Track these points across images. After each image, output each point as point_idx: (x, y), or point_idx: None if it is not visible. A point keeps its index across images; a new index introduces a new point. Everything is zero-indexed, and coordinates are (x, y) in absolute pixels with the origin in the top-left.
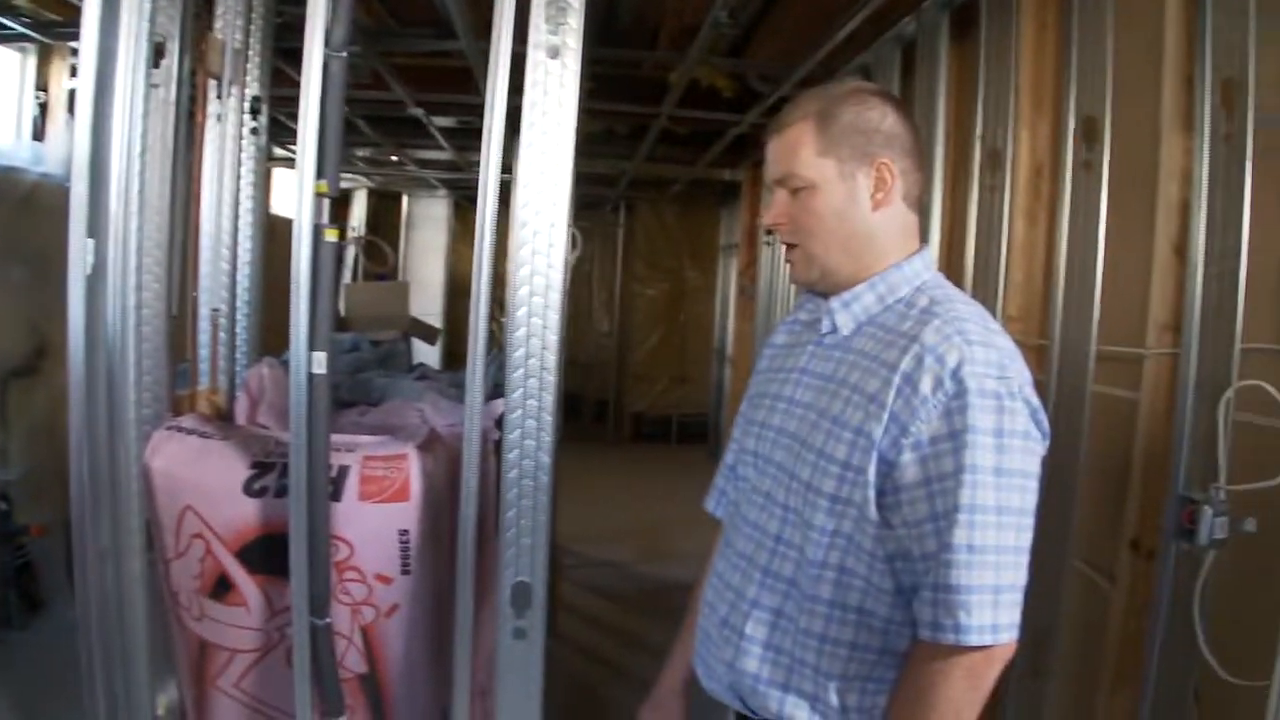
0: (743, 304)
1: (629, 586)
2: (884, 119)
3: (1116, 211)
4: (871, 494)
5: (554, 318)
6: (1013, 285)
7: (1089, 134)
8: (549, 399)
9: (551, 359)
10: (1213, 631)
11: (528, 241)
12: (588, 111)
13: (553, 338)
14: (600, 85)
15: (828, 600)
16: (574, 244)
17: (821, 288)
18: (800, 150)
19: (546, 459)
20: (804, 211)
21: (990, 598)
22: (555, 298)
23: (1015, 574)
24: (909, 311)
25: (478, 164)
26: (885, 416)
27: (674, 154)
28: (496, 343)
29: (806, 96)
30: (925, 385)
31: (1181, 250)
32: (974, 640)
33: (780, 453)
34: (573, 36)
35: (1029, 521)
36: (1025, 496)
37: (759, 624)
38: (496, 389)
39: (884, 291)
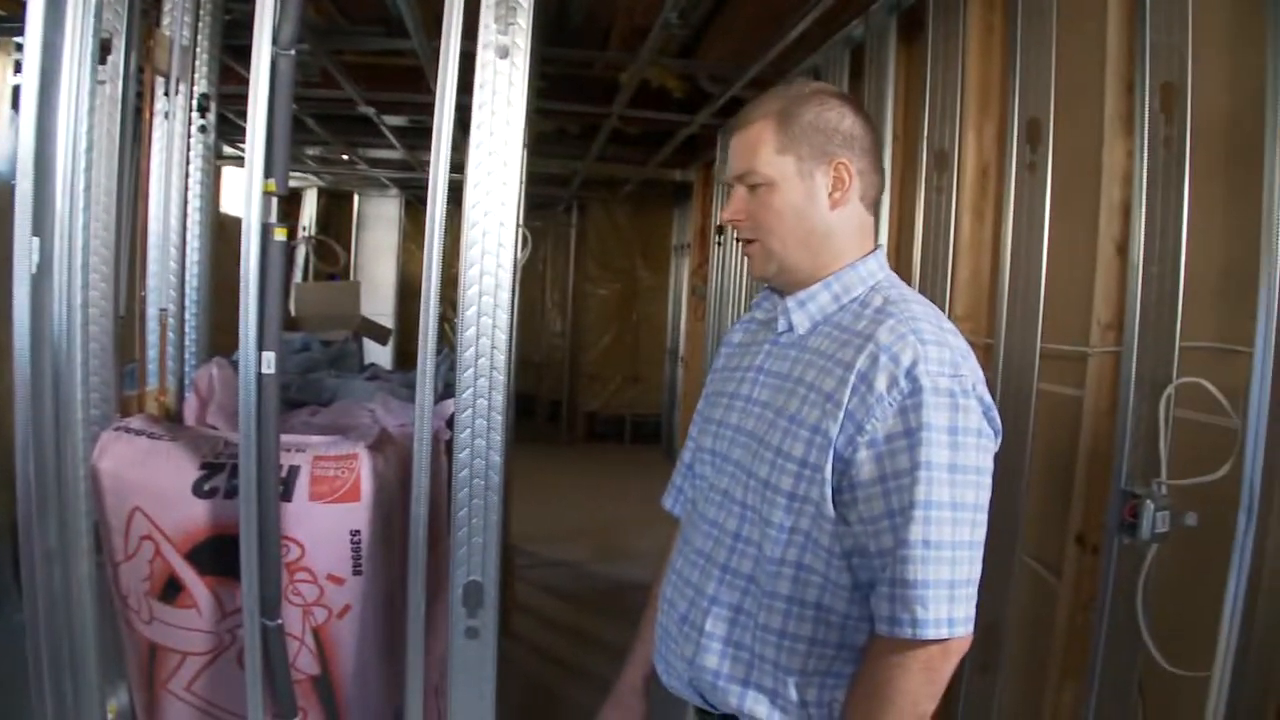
0: (694, 304)
1: (583, 586)
2: (843, 119)
3: (1061, 212)
4: (829, 491)
5: (504, 317)
6: (960, 284)
7: (1033, 136)
8: (499, 398)
9: (501, 358)
10: (1156, 624)
11: (477, 241)
12: (539, 111)
13: (502, 337)
14: (552, 85)
15: (786, 596)
16: (524, 243)
17: (778, 283)
18: (760, 148)
19: (497, 458)
20: (762, 208)
21: (946, 592)
22: (505, 297)
23: (970, 569)
24: (864, 311)
25: (428, 163)
26: (841, 415)
27: (626, 154)
28: (448, 342)
29: (768, 96)
30: (880, 383)
31: (1124, 250)
32: (931, 634)
33: (738, 451)
34: (522, 36)
35: (983, 517)
36: (979, 493)
37: (718, 620)
38: (448, 389)
39: (839, 291)
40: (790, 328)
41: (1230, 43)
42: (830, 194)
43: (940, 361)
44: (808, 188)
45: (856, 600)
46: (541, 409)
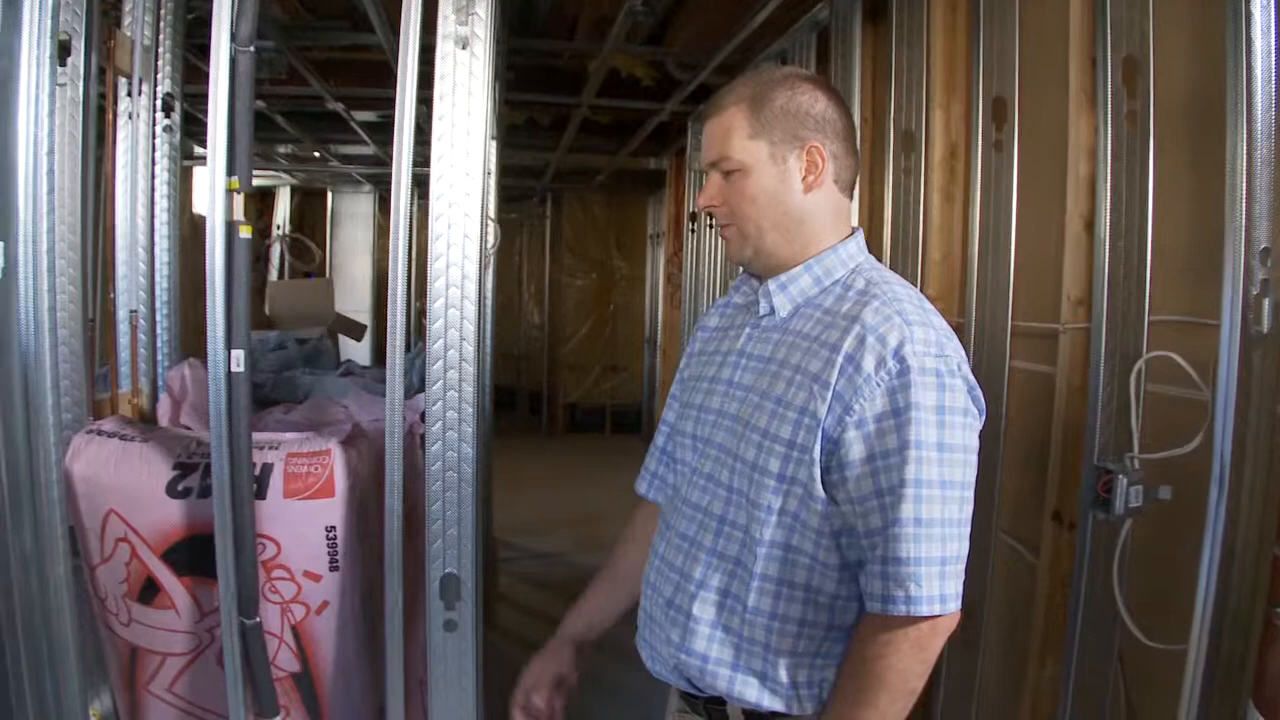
0: (670, 292)
1: (567, 577)
2: (815, 103)
3: (1028, 190)
4: (817, 472)
5: (471, 309)
6: (931, 265)
7: (998, 114)
8: (469, 389)
9: (470, 350)
10: (1133, 598)
11: (442, 234)
12: (509, 103)
13: (470, 328)
14: (520, 76)
15: (775, 578)
16: (494, 235)
17: (756, 267)
18: (733, 134)
19: (470, 450)
20: (737, 193)
21: (938, 569)
22: (472, 289)
23: (959, 546)
24: (846, 293)
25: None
26: (829, 395)
27: (597, 144)
28: (422, 337)
29: (739, 81)
30: (868, 364)
31: (1091, 226)
32: (924, 610)
33: (721, 434)
34: (482, 26)
35: (970, 495)
36: (966, 471)
37: (706, 604)
38: (423, 383)
39: (820, 274)
40: (772, 310)
41: (1191, 17)
42: (804, 178)
43: (926, 342)
44: (781, 172)
45: (845, 580)
46: (522, 401)
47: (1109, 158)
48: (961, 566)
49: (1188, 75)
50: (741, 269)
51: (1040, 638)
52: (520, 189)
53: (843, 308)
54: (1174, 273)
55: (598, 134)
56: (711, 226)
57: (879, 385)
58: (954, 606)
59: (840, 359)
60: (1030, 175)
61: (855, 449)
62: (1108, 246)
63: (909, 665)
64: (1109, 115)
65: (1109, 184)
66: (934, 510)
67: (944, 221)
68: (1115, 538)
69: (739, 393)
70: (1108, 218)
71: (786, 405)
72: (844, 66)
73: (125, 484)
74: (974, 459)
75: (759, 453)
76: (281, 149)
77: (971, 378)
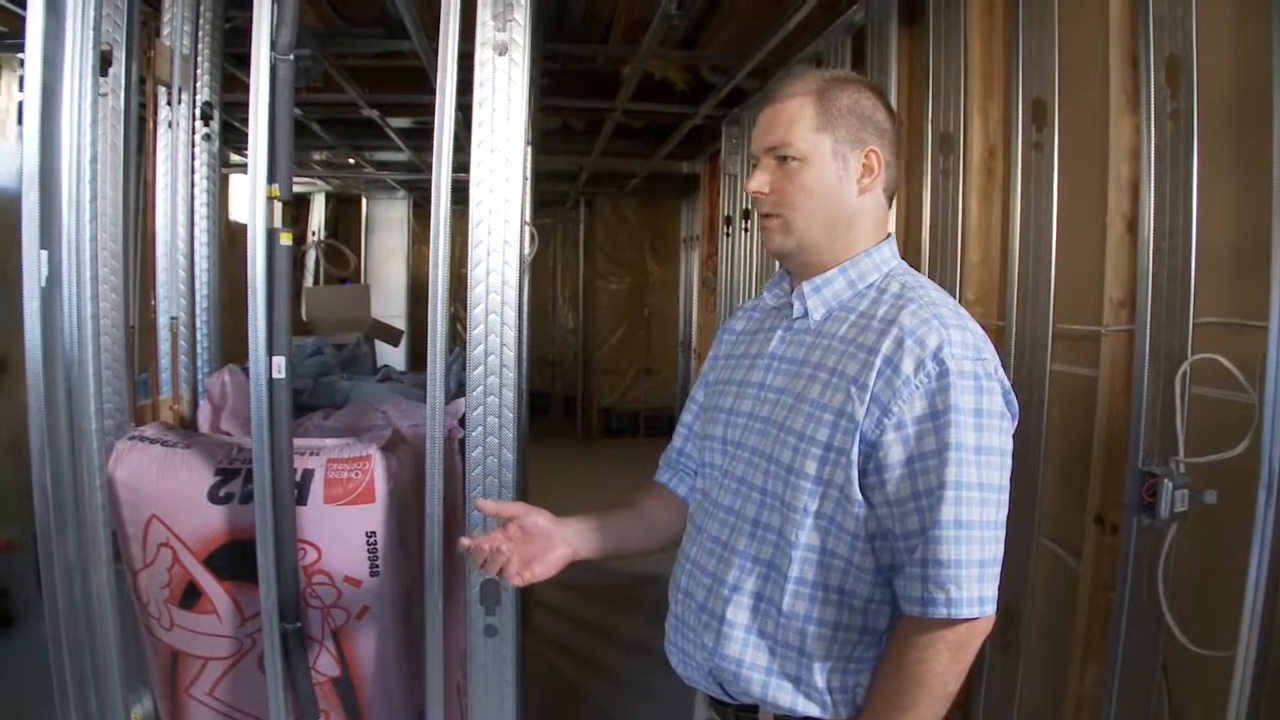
0: (705, 295)
1: (602, 580)
2: (877, 110)
3: (1069, 192)
4: (854, 474)
5: (511, 314)
6: (970, 267)
7: (1038, 116)
8: (510, 395)
9: (511, 355)
10: (1178, 603)
11: (483, 240)
12: (543, 108)
13: (511, 334)
14: (554, 81)
15: (811, 581)
16: (531, 240)
17: (793, 262)
18: (799, 122)
19: (510, 455)
20: (792, 183)
21: (977, 571)
22: (512, 294)
23: (996, 548)
24: (881, 297)
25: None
26: (867, 398)
27: (631, 148)
28: (461, 342)
29: (804, 75)
30: (907, 367)
31: (1134, 227)
32: (964, 613)
33: (754, 438)
34: (520, 33)
35: (1005, 498)
36: (1003, 474)
37: (740, 608)
38: (461, 388)
39: (854, 277)
40: (805, 313)
41: (1233, 13)
42: (859, 179)
43: (964, 345)
44: (840, 169)
45: (879, 584)
46: (556, 406)
47: (1153, 158)
48: (998, 569)
49: (1229, 74)
50: (779, 268)
51: (1082, 643)
52: (554, 193)
53: (879, 311)
54: (1217, 274)
55: (631, 138)
56: (747, 230)
57: (918, 388)
58: (991, 609)
59: (879, 361)
60: (1070, 176)
61: (894, 451)
62: (1152, 248)
63: (947, 668)
64: (1152, 115)
65: (1153, 184)
66: (973, 512)
67: (982, 224)
68: (1160, 542)
69: (771, 395)
70: (1151, 219)
71: (823, 408)
72: (879, 69)
73: (167, 490)
74: (1009, 461)
75: (794, 455)
76: (316, 156)
77: (1006, 381)
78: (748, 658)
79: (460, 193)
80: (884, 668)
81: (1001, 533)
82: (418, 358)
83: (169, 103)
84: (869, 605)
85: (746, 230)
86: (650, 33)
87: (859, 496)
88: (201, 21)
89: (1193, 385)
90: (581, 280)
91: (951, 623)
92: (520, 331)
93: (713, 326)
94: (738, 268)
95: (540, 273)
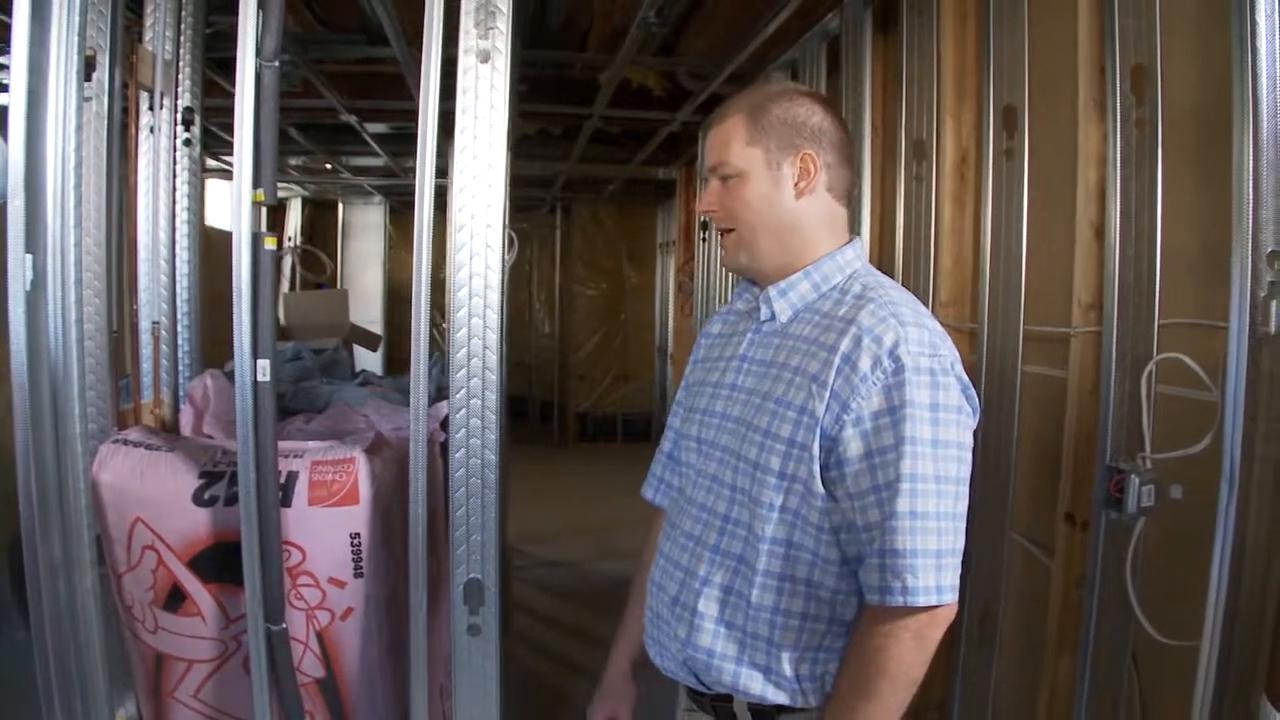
0: (681, 301)
1: (581, 584)
2: (812, 115)
3: (1039, 197)
4: (816, 468)
5: (494, 318)
6: (943, 271)
7: (1009, 123)
8: (492, 397)
9: (493, 358)
10: (1146, 596)
11: (465, 244)
12: (521, 114)
13: (493, 337)
14: (533, 87)
15: (778, 574)
16: (510, 245)
17: (751, 273)
18: (732, 141)
19: (493, 456)
20: (733, 198)
21: (933, 561)
22: (494, 298)
23: (955, 539)
24: (843, 298)
25: (412, 170)
26: (827, 394)
27: (608, 154)
28: (438, 347)
29: (742, 94)
30: (864, 364)
31: (1101, 233)
32: (921, 601)
33: (725, 436)
34: (502, 40)
35: (964, 490)
36: (960, 467)
37: (710, 601)
38: (440, 392)
39: (818, 280)
40: (772, 316)
41: (1198, 25)
42: (796, 184)
43: (920, 342)
44: (774, 177)
45: (845, 575)
46: (533, 410)
47: (1119, 164)
48: (958, 559)
49: (1194, 84)
50: (740, 277)
51: (1055, 637)
52: (531, 199)
53: (840, 311)
54: (1182, 277)
55: (608, 144)
56: (715, 231)
57: (875, 384)
58: (950, 598)
59: (838, 359)
60: (1040, 182)
61: (853, 446)
62: (1118, 251)
63: (909, 655)
64: (1118, 122)
65: (1119, 190)
66: (929, 504)
67: (955, 228)
68: (1128, 537)
69: (741, 396)
70: (1118, 223)
71: (786, 405)
72: (855, 76)
73: (152, 493)
74: (968, 455)
75: (760, 452)
76: (293, 161)
77: (965, 377)
78: (718, 648)
79: (439, 198)
80: (850, 656)
81: (961, 524)
82: (395, 362)
83: (151, 108)
84: (836, 596)
85: (719, 231)
86: (629, 40)
87: (821, 490)
88: (183, 26)
89: (1158, 384)
90: (558, 285)
91: (911, 611)
92: (501, 335)
93: (689, 331)
94: (714, 273)
95: (517, 278)
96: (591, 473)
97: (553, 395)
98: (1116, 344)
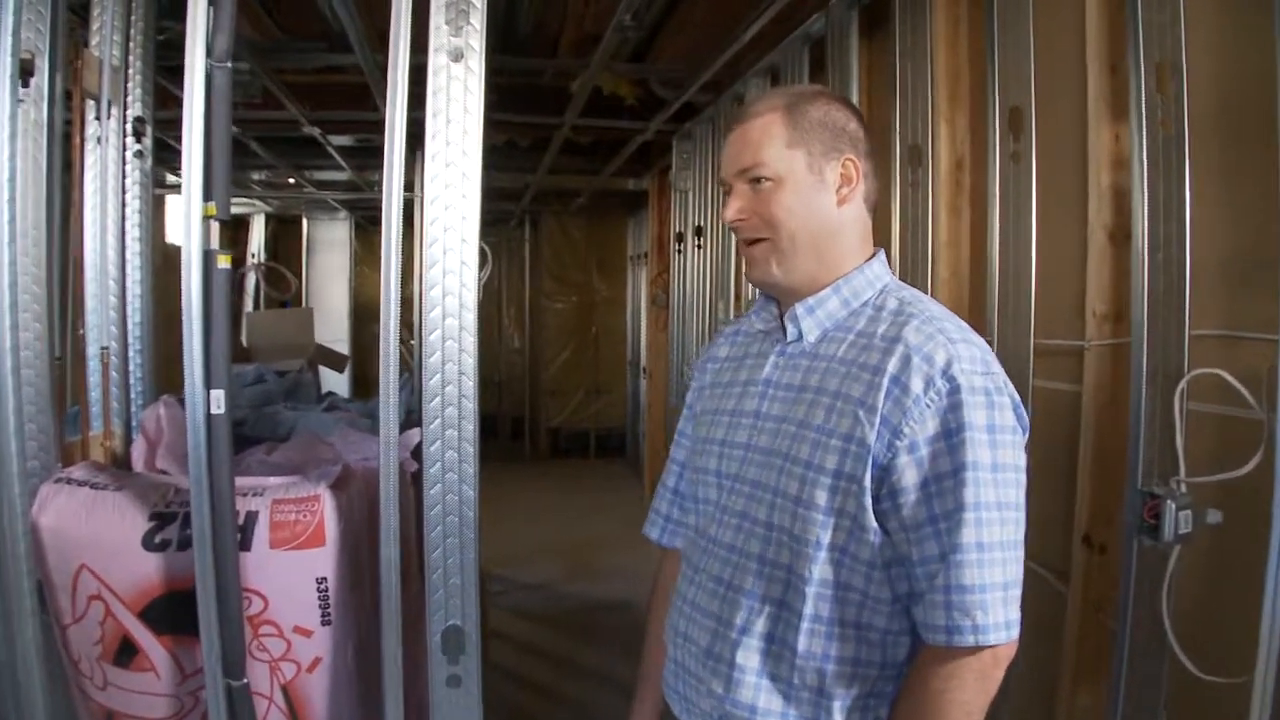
0: (655, 314)
1: (558, 608)
2: (849, 121)
3: (1046, 202)
4: (868, 501)
5: (470, 340)
6: (940, 283)
7: (1015, 125)
8: (470, 428)
9: (470, 385)
10: (1181, 627)
11: (437, 261)
12: (490, 123)
13: (470, 362)
14: (501, 96)
15: (826, 618)
16: (483, 261)
17: (781, 287)
18: (769, 141)
19: (471, 492)
20: (771, 204)
21: (1001, 594)
22: (470, 319)
23: (1017, 569)
24: (879, 314)
25: (378, 183)
26: (877, 420)
27: (577, 165)
28: (407, 366)
29: (769, 93)
30: (916, 385)
31: (1116, 238)
32: (993, 639)
33: (753, 469)
34: (476, 38)
35: (1023, 516)
36: (1019, 491)
37: (751, 651)
38: (410, 415)
39: (848, 295)
40: (799, 335)
41: (1219, 22)
42: (838, 190)
43: (972, 360)
44: (818, 183)
45: (896, 614)
46: (503, 427)
47: (1145, 166)
48: (1020, 590)
49: (1216, 80)
50: (759, 293)
51: (1073, 664)
52: (499, 212)
53: (878, 329)
54: (1208, 284)
55: (578, 154)
56: (700, 247)
57: (929, 406)
58: (1016, 633)
59: (885, 381)
60: (1045, 187)
61: (908, 474)
62: (1146, 259)
63: (974, 699)
64: (1144, 122)
65: (1145, 194)
66: (994, 533)
67: (951, 237)
68: (1163, 566)
69: (769, 424)
70: (1145, 229)
71: (829, 433)
72: (840, 80)
73: (98, 537)
74: (1024, 478)
75: (803, 485)
76: (255, 175)
77: (1016, 394)
78: (761, 703)
79: (406, 212)
80: (905, 701)
81: (1021, 553)
82: (363, 382)
83: (98, 117)
84: (886, 637)
85: (700, 247)
86: (603, 44)
87: (874, 524)
88: (133, 32)
89: (1190, 401)
90: (527, 299)
91: (974, 651)
92: (477, 358)
93: (665, 345)
94: (690, 285)
95: (485, 292)
96: (565, 490)
97: (524, 411)
98: (1147, 358)
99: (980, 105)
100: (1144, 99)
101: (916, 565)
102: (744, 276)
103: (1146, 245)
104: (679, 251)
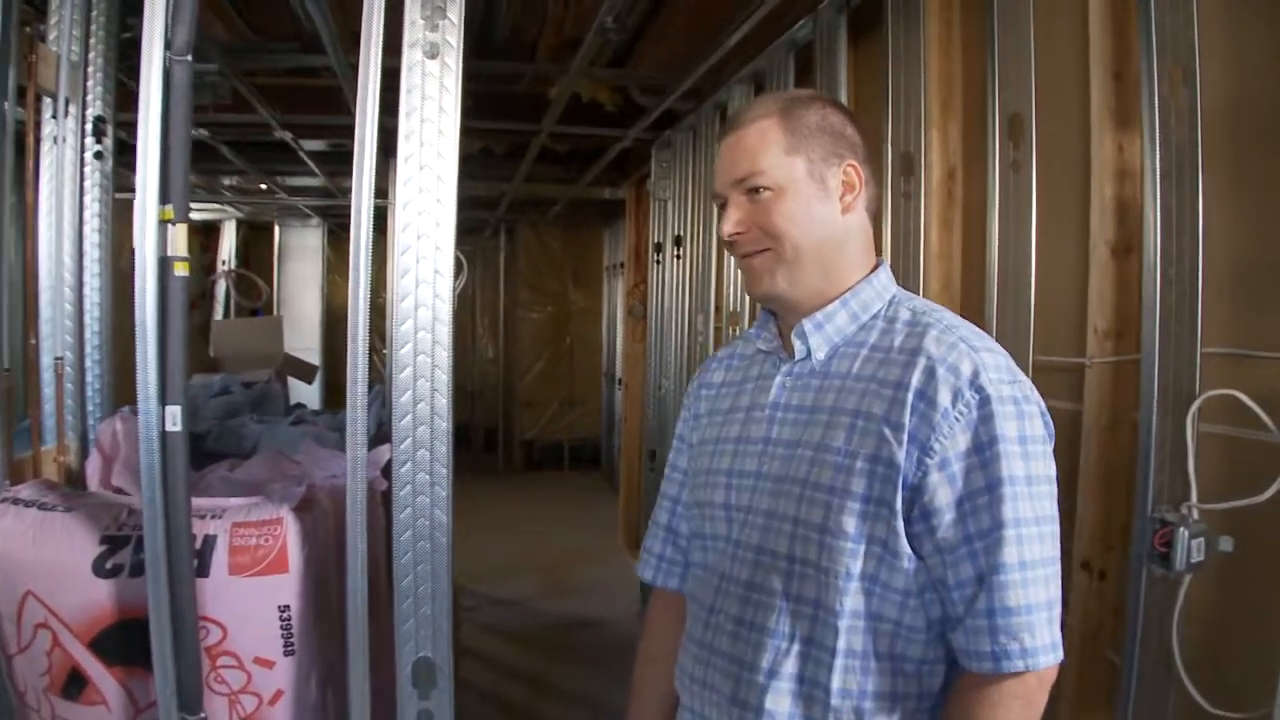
0: (632, 325)
1: (532, 625)
2: (846, 126)
3: (1045, 214)
4: (899, 525)
5: (444, 355)
6: (931, 295)
7: (1015, 133)
8: (443, 449)
9: (444, 402)
10: (1187, 657)
11: (410, 270)
12: (466, 130)
13: (444, 378)
14: (477, 103)
15: (860, 652)
16: (458, 270)
17: (786, 300)
18: (766, 149)
19: (444, 517)
20: (772, 214)
21: (1046, 614)
22: (445, 332)
23: (1059, 586)
24: (891, 326)
25: (352, 186)
26: (904, 438)
27: (554, 173)
28: (378, 377)
29: (760, 99)
30: (943, 398)
31: (1119, 252)
32: (1042, 663)
33: (767, 499)
34: (454, 34)
35: (1059, 529)
36: (1053, 503)
37: (781, 695)
38: (380, 428)
39: (857, 309)
40: (808, 354)
41: (1226, 26)
42: (841, 197)
43: (998, 368)
44: (820, 191)
45: (931, 642)
46: (476, 438)
47: (1158, 176)
48: (1060, 609)
49: (1220, 83)
50: (759, 310)
51: (1073, 693)
52: (473, 220)
53: (894, 341)
54: (1215, 301)
55: (554, 163)
56: (679, 257)
57: (958, 420)
58: (1062, 654)
59: (909, 396)
60: (1044, 198)
61: (940, 494)
62: (1158, 273)
63: None
64: (1157, 132)
65: (1158, 205)
66: (1035, 550)
67: (943, 249)
68: (1174, 595)
69: (780, 450)
70: (1158, 242)
71: (851, 455)
72: (828, 86)
73: (45, 561)
74: (1055, 489)
75: (827, 513)
76: (226, 181)
77: (1043, 402)
78: None
79: (378, 219)
80: None
81: (1059, 568)
82: (334, 391)
83: (55, 116)
84: (922, 668)
85: (679, 257)
86: (584, 48)
87: (907, 549)
88: (94, 27)
89: (1200, 423)
90: (502, 309)
91: (1018, 676)
92: (451, 373)
93: (642, 357)
94: (669, 296)
95: (459, 300)
96: (539, 502)
97: (497, 422)
98: (1158, 378)
99: (973, 114)
100: (1157, 106)
101: (953, 589)
102: (744, 291)
103: (1160, 260)
104: (657, 262)
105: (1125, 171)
